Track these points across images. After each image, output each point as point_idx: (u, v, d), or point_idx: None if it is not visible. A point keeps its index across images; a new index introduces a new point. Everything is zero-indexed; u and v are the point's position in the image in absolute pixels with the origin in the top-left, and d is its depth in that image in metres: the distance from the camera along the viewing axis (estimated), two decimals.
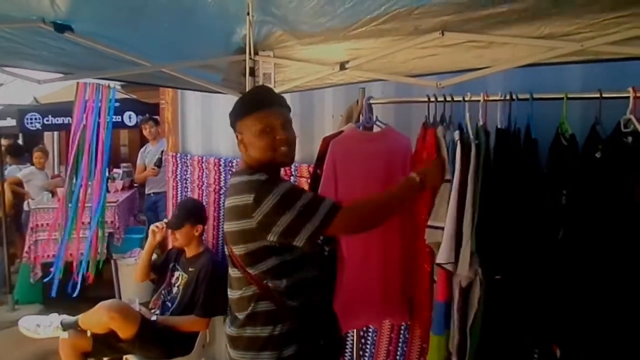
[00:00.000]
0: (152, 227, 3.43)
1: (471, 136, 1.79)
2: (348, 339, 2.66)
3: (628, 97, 1.56)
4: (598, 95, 1.63)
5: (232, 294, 1.75)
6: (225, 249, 1.75)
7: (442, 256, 1.77)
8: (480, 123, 1.80)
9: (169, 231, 3.27)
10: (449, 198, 1.80)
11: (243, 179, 1.64)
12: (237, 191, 1.64)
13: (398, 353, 2.52)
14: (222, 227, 3.34)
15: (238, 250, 1.65)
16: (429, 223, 1.86)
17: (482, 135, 1.77)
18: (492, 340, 1.78)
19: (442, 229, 1.80)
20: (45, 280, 4.23)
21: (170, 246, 3.38)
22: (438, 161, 1.87)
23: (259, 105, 1.68)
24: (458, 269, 1.75)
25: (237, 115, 1.71)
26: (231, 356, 1.76)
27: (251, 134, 1.67)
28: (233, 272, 1.73)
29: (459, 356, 1.85)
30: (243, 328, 1.69)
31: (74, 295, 3.94)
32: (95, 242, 4.19)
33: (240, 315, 1.70)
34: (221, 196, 3.44)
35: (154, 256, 3.54)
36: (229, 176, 3.31)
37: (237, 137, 1.73)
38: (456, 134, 1.79)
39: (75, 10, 1.92)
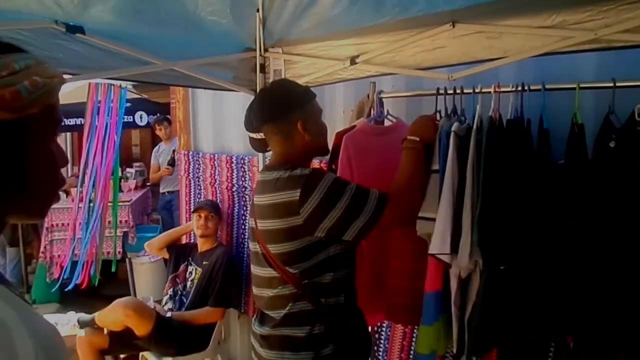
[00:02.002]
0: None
1: (474, 127, 1.75)
2: None
3: None
4: (611, 85, 1.60)
5: (263, 292, 1.69)
6: (255, 247, 1.70)
7: (435, 247, 1.73)
8: (491, 114, 1.79)
9: (199, 220, 3.30)
10: (440, 188, 1.77)
11: (283, 175, 1.58)
12: (276, 188, 1.58)
13: (412, 348, 2.51)
14: (239, 224, 3.42)
15: (278, 249, 1.60)
16: (420, 214, 1.82)
17: (487, 126, 1.73)
18: (491, 332, 1.76)
19: (434, 220, 1.77)
20: (63, 278, 4.28)
21: (196, 232, 3.39)
22: (423, 117, 1.85)
23: (313, 92, 1.71)
24: (458, 259, 1.73)
25: (301, 102, 1.65)
26: (263, 356, 1.69)
27: (317, 118, 1.69)
28: (264, 271, 1.67)
29: (458, 348, 1.85)
30: (278, 328, 1.64)
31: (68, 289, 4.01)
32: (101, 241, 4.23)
33: (275, 315, 1.65)
34: (234, 194, 3.46)
35: None
36: (240, 173, 3.35)
37: (289, 127, 1.64)
38: (455, 126, 1.77)
39: (88, 11, 1.94)
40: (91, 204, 4.07)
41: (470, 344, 1.79)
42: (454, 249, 1.73)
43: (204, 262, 3.21)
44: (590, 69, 1.87)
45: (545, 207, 1.65)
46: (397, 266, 2.02)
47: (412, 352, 2.52)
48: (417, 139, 1.75)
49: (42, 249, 4.93)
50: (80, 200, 4.12)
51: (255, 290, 1.75)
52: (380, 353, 2.62)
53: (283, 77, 2.47)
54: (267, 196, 1.60)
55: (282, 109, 1.65)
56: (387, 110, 2.21)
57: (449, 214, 1.73)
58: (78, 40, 2.03)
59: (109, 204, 4.17)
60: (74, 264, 4.08)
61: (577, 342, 1.70)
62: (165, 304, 3.27)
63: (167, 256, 3.47)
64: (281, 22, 2.29)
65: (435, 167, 1.81)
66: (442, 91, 1.93)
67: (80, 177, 4.18)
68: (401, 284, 2.01)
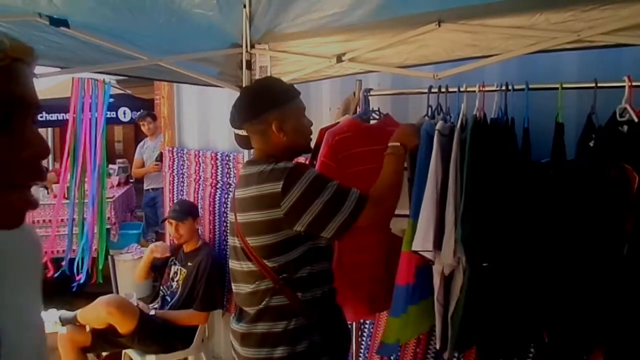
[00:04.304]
0: (151, 246, 3.41)
1: (458, 126, 1.77)
2: None
3: (623, 87, 1.57)
4: (593, 85, 1.63)
5: (240, 288, 1.69)
6: (234, 241, 1.70)
7: (418, 244, 1.74)
8: (475, 113, 1.80)
9: (170, 228, 3.26)
10: (410, 186, 1.82)
11: (265, 168, 1.59)
12: (258, 180, 1.58)
13: None
14: (222, 221, 3.40)
15: (257, 241, 1.60)
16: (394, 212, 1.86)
17: (471, 125, 1.74)
18: (474, 329, 1.78)
19: (407, 216, 1.81)
20: (55, 276, 4.23)
21: (170, 242, 3.35)
22: (407, 125, 1.88)
23: (296, 91, 1.71)
24: (442, 257, 1.74)
25: (281, 101, 1.66)
26: (241, 354, 1.68)
27: (296, 118, 1.69)
28: (242, 266, 1.67)
29: (442, 344, 1.86)
30: (254, 324, 1.64)
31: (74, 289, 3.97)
32: (92, 237, 4.20)
33: (251, 310, 1.65)
34: (218, 190, 3.44)
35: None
36: (225, 169, 3.33)
37: (264, 127, 1.65)
38: (439, 124, 1.78)
39: (72, 4, 1.92)
40: (85, 200, 4.05)
41: (453, 340, 1.81)
42: (438, 246, 1.74)
43: (189, 263, 3.18)
44: (573, 69, 1.90)
45: (528, 205, 1.67)
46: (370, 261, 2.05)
47: None
48: (399, 144, 1.77)
49: None
50: (65, 197, 4.08)
51: (234, 286, 1.75)
52: (362, 350, 2.63)
53: (269, 73, 2.46)
54: (250, 189, 1.61)
55: (257, 110, 1.66)
56: (378, 108, 2.21)
57: (432, 212, 1.74)
58: (61, 33, 2.00)
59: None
60: (71, 261, 4.05)
61: (554, 337, 1.73)
62: (150, 302, 3.25)
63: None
64: (268, 13, 2.25)
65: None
66: (431, 90, 1.94)
67: (70, 173, 4.13)
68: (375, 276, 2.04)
